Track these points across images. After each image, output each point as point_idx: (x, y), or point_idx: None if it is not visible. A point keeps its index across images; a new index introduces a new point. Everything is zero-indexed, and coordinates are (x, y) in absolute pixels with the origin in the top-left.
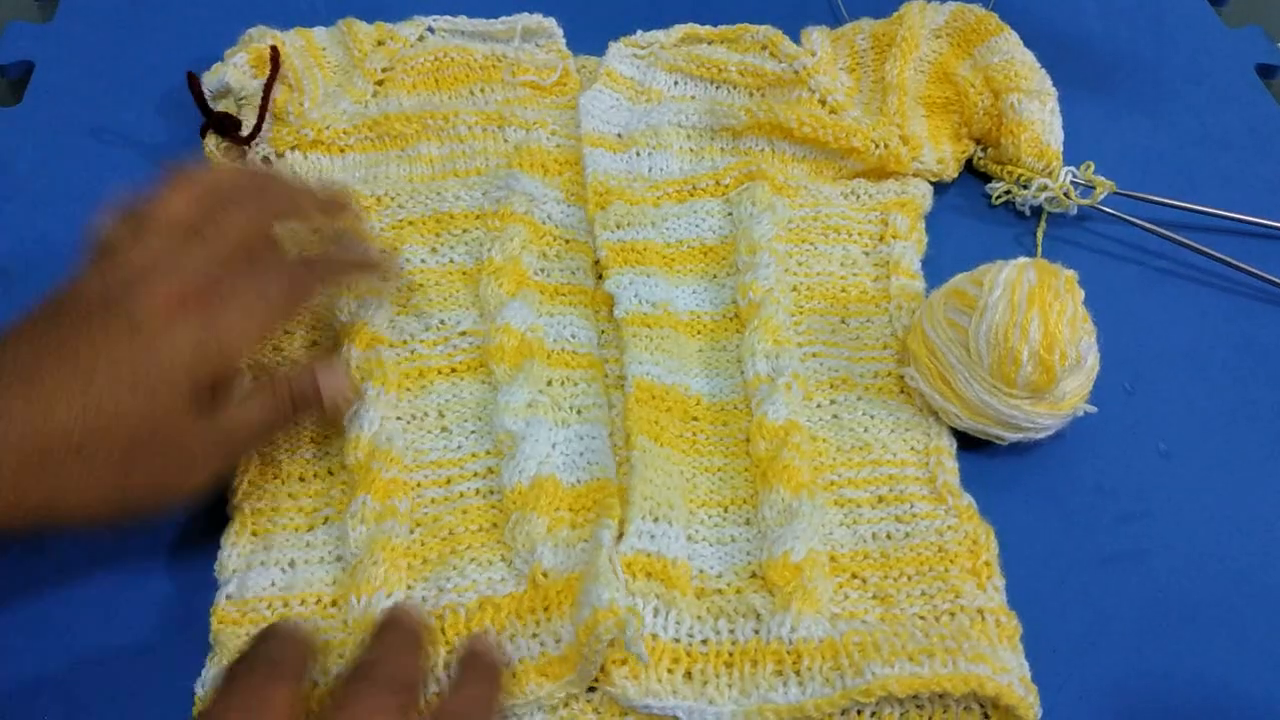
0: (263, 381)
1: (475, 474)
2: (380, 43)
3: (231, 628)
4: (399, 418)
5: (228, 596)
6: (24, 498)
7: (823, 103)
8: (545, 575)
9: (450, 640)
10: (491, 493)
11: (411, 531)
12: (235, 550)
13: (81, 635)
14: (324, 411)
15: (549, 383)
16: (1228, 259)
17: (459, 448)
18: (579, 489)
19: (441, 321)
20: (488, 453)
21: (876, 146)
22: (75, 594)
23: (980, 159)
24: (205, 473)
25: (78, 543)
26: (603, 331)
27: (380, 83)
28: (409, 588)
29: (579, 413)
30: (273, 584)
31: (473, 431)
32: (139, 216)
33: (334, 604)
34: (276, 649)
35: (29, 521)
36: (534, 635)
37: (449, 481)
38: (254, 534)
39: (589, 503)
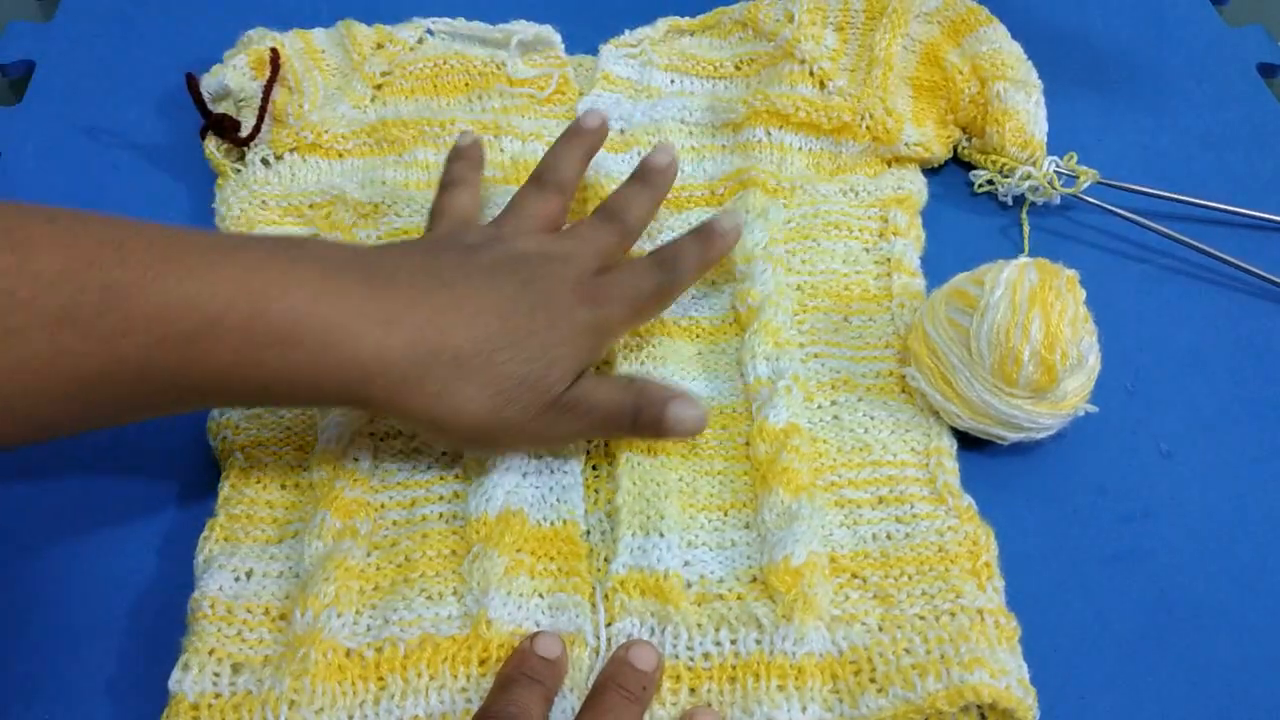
0: (620, 379)
1: (441, 497)
2: (379, 45)
3: (199, 623)
4: (372, 434)
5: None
6: (407, 389)
7: (811, 74)
8: (489, 625)
9: (383, 678)
10: (455, 517)
11: (369, 555)
12: (203, 552)
13: (69, 628)
14: (661, 434)
15: None
16: (1221, 254)
17: (428, 468)
18: (544, 531)
19: None
20: (456, 476)
21: (863, 118)
22: (65, 584)
23: (965, 148)
24: (548, 436)
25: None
26: None
27: (379, 87)
28: (357, 613)
29: None
30: (220, 589)
31: (444, 453)
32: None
33: (282, 617)
34: (520, 700)
35: (419, 416)
36: (462, 689)
37: (413, 504)
38: (225, 539)
39: (553, 551)
